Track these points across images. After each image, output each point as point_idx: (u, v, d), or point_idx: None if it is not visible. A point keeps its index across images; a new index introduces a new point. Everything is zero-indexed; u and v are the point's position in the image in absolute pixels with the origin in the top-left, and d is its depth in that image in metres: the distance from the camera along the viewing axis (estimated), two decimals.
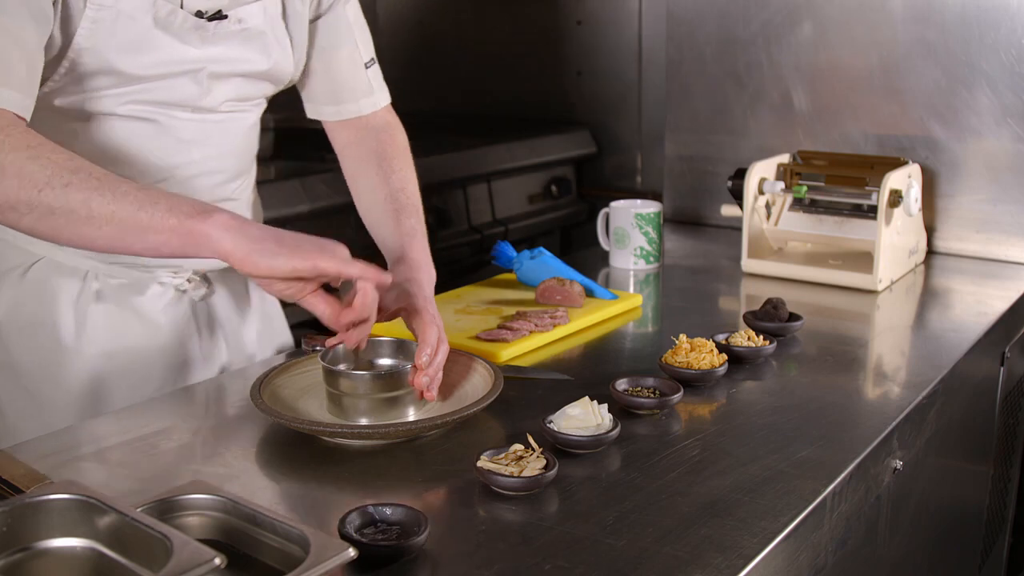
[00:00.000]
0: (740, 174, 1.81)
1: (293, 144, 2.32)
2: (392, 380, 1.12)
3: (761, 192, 1.80)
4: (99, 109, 1.19)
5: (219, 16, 1.21)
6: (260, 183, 1.48)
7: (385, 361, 1.21)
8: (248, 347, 1.44)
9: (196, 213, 1.01)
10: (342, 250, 1.04)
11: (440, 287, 1.64)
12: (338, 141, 1.44)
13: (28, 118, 1.06)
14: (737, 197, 1.82)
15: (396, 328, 1.42)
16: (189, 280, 1.35)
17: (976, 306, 1.62)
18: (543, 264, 1.61)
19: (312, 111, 1.44)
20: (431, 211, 2.48)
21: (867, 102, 1.94)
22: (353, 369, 1.16)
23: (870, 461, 1.08)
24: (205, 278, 1.37)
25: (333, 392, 1.13)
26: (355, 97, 1.42)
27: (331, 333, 1.15)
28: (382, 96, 1.45)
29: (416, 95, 3.34)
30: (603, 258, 1.86)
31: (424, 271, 1.27)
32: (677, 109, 2.21)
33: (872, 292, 1.65)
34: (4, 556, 0.75)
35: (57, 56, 1.13)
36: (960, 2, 1.81)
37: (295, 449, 1.08)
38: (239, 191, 1.37)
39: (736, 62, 2.09)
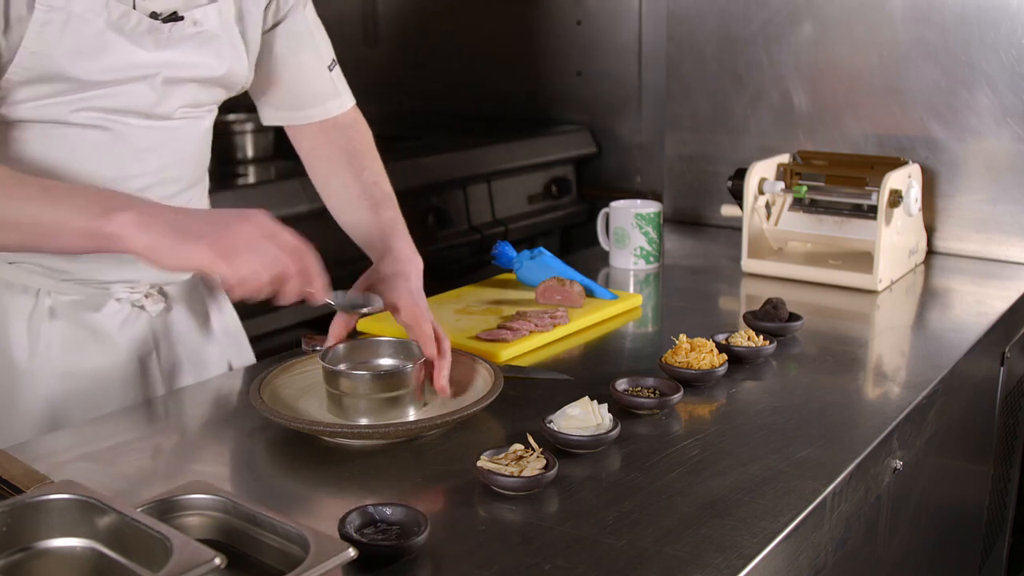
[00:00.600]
0: (740, 174, 1.81)
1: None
2: (392, 380, 1.12)
3: (761, 192, 1.80)
4: (49, 117, 1.14)
5: (174, 18, 1.17)
6: (260, 183, 1.48)
7: (385, 361, 1.21)
8: (211, 365, 1.38)
9: (102, 213, 0.97)
10: (248, 231, 0.98)
11: (440, 287, 1.64)
12: (304, 144, 1.42)
13: None
14: (737, 197, 1.82)
15: (395, 328, 1.42)
16: (147, 295, 1.30)
17: (976, 306, 1.62)
18: (543, 264, 1.61)
19: (272, 117, 1.41)
20: (431, 211, 2.48)
21: (867, 102, 1.94)
22: (353, 369, 1.16)
23: (870, 461, 1.08)
24: (163, 293, 1.32)
25: (333, 392, 1.13)
26: (321, 100, 1.39)
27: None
28: (348, 97, 1.43)
29: (416, 95, 3.34)
30: (603, 258, 1.86)
31: (412, 263, 1.26)
32: (677, 109, 2.21)
33: (872, 292, 1.65)
34: (4, 556, 0.75)
35: (1, 63, 1.08)
36: (960, 2, 1.81)
37: (295, 449, 1.08)
38: (194, 200, 1.32)
39: (736, 62, 2.09)
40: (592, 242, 1.92)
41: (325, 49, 1.40)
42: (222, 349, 1.42)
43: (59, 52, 1.09)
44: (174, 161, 1.26)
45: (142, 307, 1.30)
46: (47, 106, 1.13)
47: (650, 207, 1.81)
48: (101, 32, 1.11)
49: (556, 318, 1.44)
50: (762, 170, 1.80)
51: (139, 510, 0.77)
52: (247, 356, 1.47)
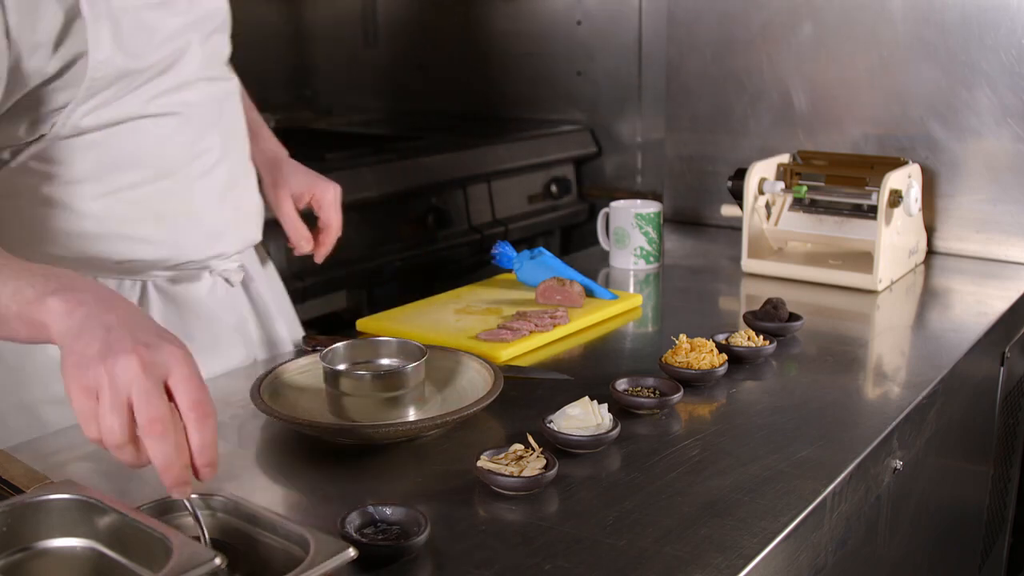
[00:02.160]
0: (740, 174, 1.81)
1: (293, 144, 2.31)
2: (392, 380, 1.12)
3: (761, 192, 1.80)
4: (123, 116, 1.18)
5: None
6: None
7: (385, 361, 1.21)
8: (281, 337, 1.46)
9: (36, 297, 0.85)
10: (122, 375, 0.78)
11: (440, 287, 1.64)
12: None
13: None
14: (737, 197, 1.82)
15: (396, 328, 1.42)
16: (235, 268, 1.38)
17: (976, 306, 1.62)
18: (543, 264, 1.61)
19: None
20: (431, 211, 2.48)
21: (867, 102, 1.94)
22: (353, 369, 1.16)
23: (870, 461, 1.08)
24: (242, 265, 1.40)
25: (333, 392, 1.13)
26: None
27: (331, 334, 1.15)
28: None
29: (416, 95, 3.34)
30: (603, 258, 1.86)
31: (289, 161, 1.46)
32: (677, 109, 2.21)
33: (872, 292, 1.65)
34: (4, 556, 0.75)
35: (70, 78, 1.11)
36: (960, 2, 1.81)
37: (295, 449, 1.08)
38: (249, 173, 1.39)
39: (736, 62, 2.09)
40: (592, 242, 1.92)
41: None
42: (287, 323, 1.49)
43: (117, 49, 1.12)
44: (230, 132, 1.33)
45: (228, 279, 1.37)
46: (118, 106, 1.17)
47: (650, 207, 1.81)
48: (140, 13, 1.15)
49: (556, 318, 1.44)
50: (762, 170, 1.80)
51: (139, 510, 0.77)
52: (298, 331, 1.54)
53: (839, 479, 1.01)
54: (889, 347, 1.47)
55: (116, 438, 0.77)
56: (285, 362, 1.22)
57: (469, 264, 2.56)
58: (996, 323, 1.52)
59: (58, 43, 1.08)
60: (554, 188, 2.89)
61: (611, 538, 0.89)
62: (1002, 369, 1.62)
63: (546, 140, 2.89)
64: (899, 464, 1.17)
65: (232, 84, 1.35)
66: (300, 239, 1.42)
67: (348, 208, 1.63)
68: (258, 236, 1.40)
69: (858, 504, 1.07)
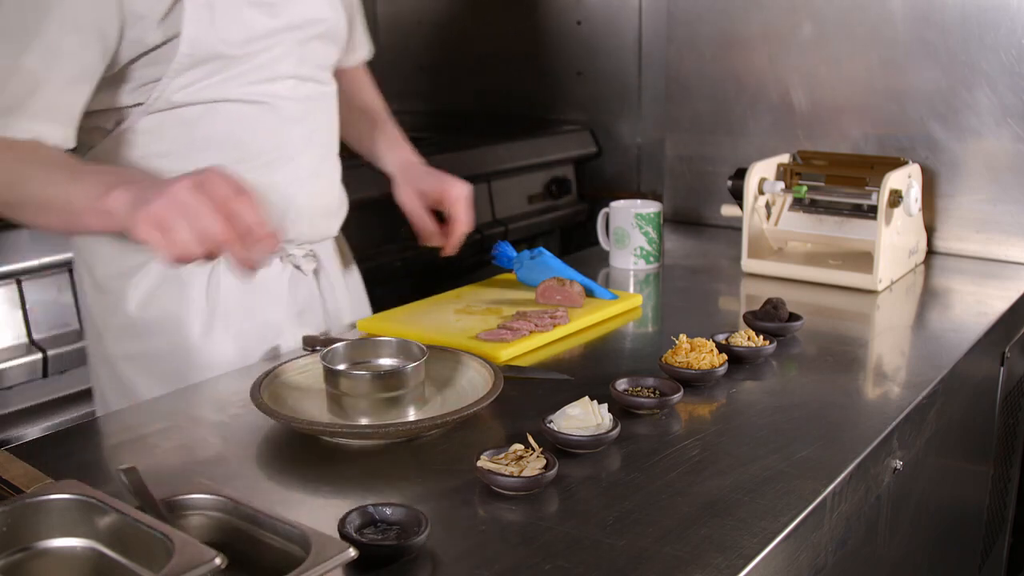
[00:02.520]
0: (740, 174, 1.81)
1: None
2: (392, 380, 1.12)
3: (761, 192, 1.80)
4: (212, 97, 1.29)
5: None
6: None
7: (385, 361, 1.21)
8: (345, 321, 1.55)
9: (104, 192, 1.04)
10: (174, 197, 0.99)
11: (440, 287, 1.64)
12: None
13: (68, 146, 1.18)
14: (737, 197, 1.82)
15: (396, 328, 1.42)
16: (304, 256, 1.46)
17: (976, 306, 1.62)
18: (543, 264, 1.61)
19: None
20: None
21: (867, 102, 1.94)
22: (353, 369, 1.16)
23: (870, 461, 1.08)
24: (314, 254, 1.49)
25: (333, 392, 1.13)
26: (363, 45, 1.66)
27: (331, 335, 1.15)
28: (370, 46, 1.69)
29: (416, 95, 3.34)
30: (603, 258, 1.86)
31: (419, 164, 1.58)
32: (677, 109, 2.21)
33: (872, 292, 1.65)
34: (4, 556, 0.75)
35: (166, 52, 1.23)
36: (960, 2, 1.81)
37: (295, 449, 1.08)
38: (335, 169, 1.50)
39: (736, 62, 2.09)
40: (592, 242, 1.92)
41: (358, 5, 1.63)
42: (353, 307, 1.59)
43: (211, 33, 1.24)
44: (315, 129, 1.43)
45: (298, 266, 1.46)
46: (209, 87, 1.28)
47: (650, 207, 1.81)
48: (240, 8, 1.27)
49: (556, 318, 1.44)
50: (762, 170, 1.80)
51: (139, 510, 0.77)
52: (365, 311, 1.65)
53: (839, 479, 1.01)
54: (889, 347, 1.47)
55: (186, 248, 0.98)
56: (285, 362, 1.22)
57: (469, 264, 2.56)
58: (996, 323, 1.52)
59: (162, 19, 1.20)
60: (554, 188, 2.89)
61: (611, 538, 0.89)
62: (1002, 369, 1.62)
63: (546, 140, 2.89)
64: (899, 464, 1.17)
65: (326, 88, 1.45)
66: (427, 233, 1.55)
67: (350, 208, 1.64)
68: (333, 231, 1.52)
69: (858, 504, 1.07)
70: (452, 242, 1.54)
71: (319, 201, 1.45)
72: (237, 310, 1.39)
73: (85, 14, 1.16)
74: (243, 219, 0.99)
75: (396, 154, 1.62)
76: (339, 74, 1.56)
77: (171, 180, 1.01)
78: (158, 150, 1.29)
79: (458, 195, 1.52)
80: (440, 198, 1.54)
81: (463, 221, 1.52)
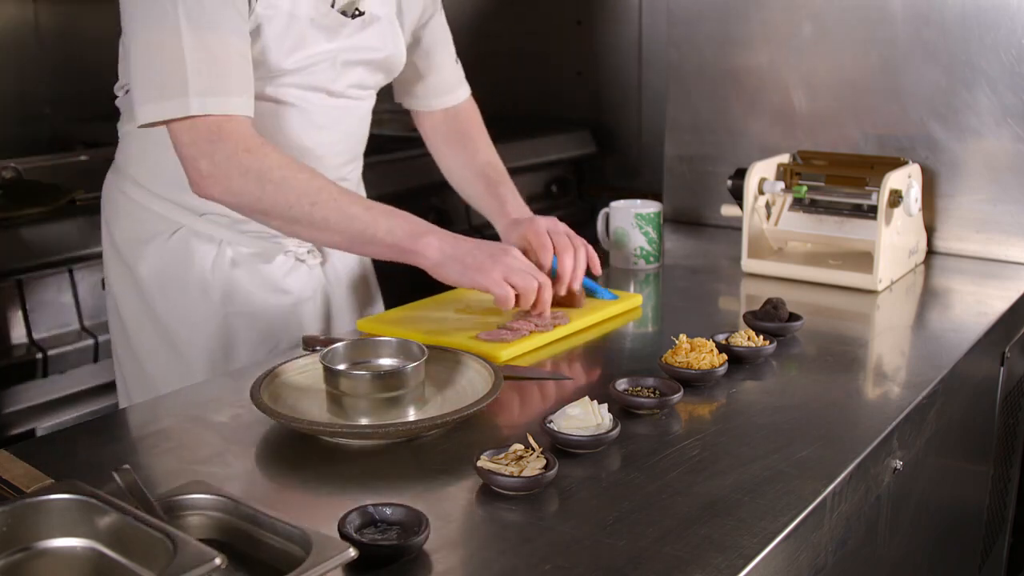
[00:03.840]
0: (740, 174, 1.81)
1: None
2: (392, 380, 1.12)
3: (761, 192, 1.80)
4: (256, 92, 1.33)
5: (358, 12, 1.40)
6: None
7: (385, 361, 1.21)
8: (351, 313, 1.61)
9: (408, 236, 1.29)
10: (511, 258, 1.33)
11: (440, 287, 1.64)
12: (426, 124, 1.72)
13: (251, 114, 1.27)
14: (737, 197, 1.82)
15: (396, 328, 1.42)
16: (308, 251, 1.53)
17: (976, 306, 1.62)
18: None
19: (408, 102, 1.70)
20: (431, 211, 2.48)
21: (867, 102, 1.94)
22: (353, 369, 1.16)
23: (870, 461, 1.08)
24: (320, 250, 1.55)
25: (333, 392, 1.13)
26: (451, 89, 1.69)
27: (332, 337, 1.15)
28: (466, 88, 1.73)
29: None
30: (603, 258, 1.86)
31: (526, 212, 1.60)
32: (677, 109, 2.21)
33: (872, 292, 1.65)
34: (4, 556, 0.75)
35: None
36: (960, 2, 1.81)
37: (295, 449, 1.08)
38: (351, 173, 1.57)
39: (736, 62, 2.09)
40: (592, 242, 1.92)
41: (451, 43, 1.68)
42: (360, 299, 1.65)
43: (269, 45, 1.32)
44: (342, 137, 1.50)
45: (303, 260, 1.53)
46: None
47: (650, 207, 1.81)
48: (305, 27, 1.34)
49: (556, 318, 1.44)
50: (762, 170, 1.80)
51: (139, 510, 0.77)
52: (378, 308, 1.71)
53: (839, 479, 1.01)
54: (889, 347, 1.47)
55: (531, 291, 1.33)
56: (285, 362, 1.22)
57: None
58: (996, 323, 1.52)
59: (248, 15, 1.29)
60: (554, 188, 2.89)
61: (611, 538, 0.89)
62: (1002, 369, 1.62)
63: (546, 140, 2.89)
64: (899, 464, 1.17)
65: (359, 103, 1.50)
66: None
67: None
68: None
69: (858, 504, 1.07)
70: (560, 287, 1.45)
71: None
72: (237, 292, 1.47)
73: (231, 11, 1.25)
74: (540, 276, 1.35)
75: (503, 220, 1.60)
76: (446, 118, 1.68)
77: (476, 247, 1.32)
78: None
79: (539, 228, 1.48)
80: (530, 241, 1.48)
81: (545, 260, 1.45)
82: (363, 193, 1.65)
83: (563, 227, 1.50)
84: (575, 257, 1.46)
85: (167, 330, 1.47)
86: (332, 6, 1.37)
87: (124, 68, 1.39)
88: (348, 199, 1.29)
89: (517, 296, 1.33)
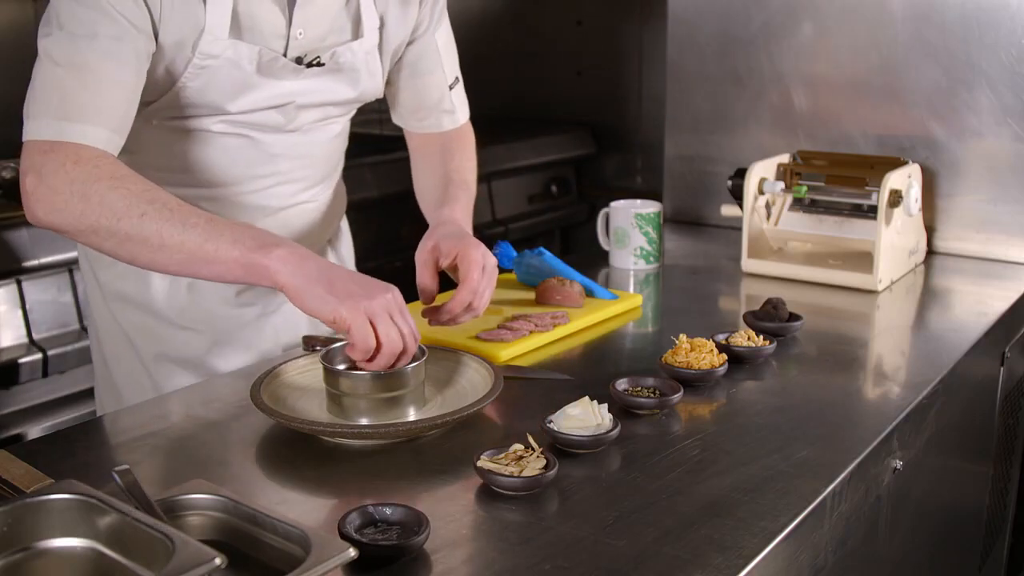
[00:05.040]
0: (740, 174, 1.81)
1: None
2: (392, 380, 1.12)
3: (761, 192, 1.80)
4: (196, 127, 1.28)
5: (317, 63, 1.30)
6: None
7: None
8: (308, 329, 1.48)
9: (258, 247, 1.09)
10: (388, 301, 1.09)
11: (440, 287, 1.64)
12: (413, 141, 1.56)
13: (116, 153, 1.15)
14: (737, 197, 1.82)
15: None
16: None
17: (976, 306, 1.62)
18: (543, 264, 1.60)
19: (397, 119, 1.55)
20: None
21: (867, 102, 1.94)
22: (353, 369, 1.16)
23: (870, 461, 1.08)
24: None
25: (333, 392, 1.13)
26: (437, 115, 1.52)
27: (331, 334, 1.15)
28: (462, 114, 1.55)
29: None
30: (603, 258, 1.86)
31: (456, 224, 1.36)
32: (677, 109, 2.21)
33: (872, 292, 1.65)
34: (4, 556, 0.75)
35: (161, 89, 1.23)
36: (960, 2, 1.81)
37: (295, 449, 1.08)
38: (316, 195, 1.46)
39: (736, 62, 2.09)
40: (592, 242, 1.92)
41: (450, 68, 1.52)
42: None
43: (212, 90, 1.24)
44: (302, 164, 1.40)
45: None
46: (194, 120, 1.28)
47: (650, 207, 1.81)
48: (251, 75, 1.25)
49: (556, 318, 1.44)
50: (762, 170, 1.80)
51: (139, 510, 0.77)
52: None
53: (839, 479, 1.01)
54: (889, 347, 1.47)
55: (393, 349, 1.08)
56: (285, 362, 1.22)
57: None
58: (996, 323, 1.52)
59: (184, 69, 1.22)
60: (554, 188, 2.89)
61: (611, 538, 0.89)
62: (1002, 369, 1.62)
63: (546, 140, 2.89)
64: (899, 464, 1.17)
65: (324, 130, 1.40)
66: (423, 289, 1.32)
67: (349, 208, 1.64)
68: (315, 246, 1.48)
69: (858, 504, 1.07)
70: (449, 306, 1.27)
71: (290, 227, 1.42)
72: (196, 307, 1.41)
73: (126, 47, 1.16)
74: (408, 339, 1.11)
75: (440, 212, 1.41)
76: (433, 141, 1.53)
77: (349, 276, 1.11)
78: (138, 156, 1.28)
79: (474, 259, 1.27)
80: (457, 259, 1.31)
81: (470, 289, 1.26)
82: (341, 209, 1.57)
83: (491, 275, 1.30)
84: (470, 303, 1.27)
85: (129, 338, 1.42)
86: (284, 55, 1.27)
87: None
88: (187, 211, 1.12)
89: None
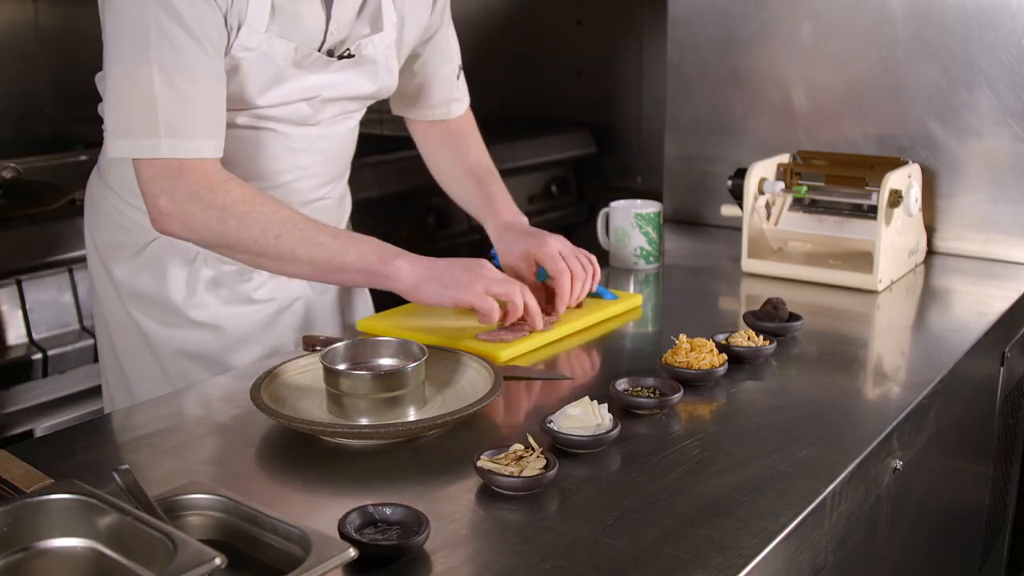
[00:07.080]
0: (740, 174, 1.81)
1: None
2: (392, 380, 1.12)
3: (761, 192, 1.80)
4: (238, 122, 1.33)
5: (347, 55, 1.36)
6: None
7: (385, 361, 1.21)
8: (332, 321, 1.58)
9: (379, 261, 1.27)
10: (489, 271, 1.30)
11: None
12: (417, 128, 1.66)
13: (220, 156, 1.25)
14: (737, 197, 1.82)
15: (396, 328, 1.42)
16: None
17: (976, 306, 1.62)
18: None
19: (399, 110, 1.64)
20: (431, 211, 2.48)
21: (867, 102, 1.94)
22: (353, 369, 1.16)
23: (870, 461, 1.08)
24: None
25: (333, 392, 1.13)
26: (444, 103, 1.62)
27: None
28: (466, 100, 1.66)
29: None
30: (603, 258, 1.86)
31: (519, 218, 1.54)
32: (677, 109, 2.21)
33: (872, 292, 1.65)
34: (4, 556, 0.75)
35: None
36: (960, 2, 1.81)
37: (295, 449, 1.08)
38: (331, 192, 1.52)
39: (736, 62, 2.09)
40: (592, 242, 1.92)
41: (456, 58, 1.62)
42: (347, 303, 1.62)
43: (246, 84, 1.29)
44: (322, 159, 1.46)
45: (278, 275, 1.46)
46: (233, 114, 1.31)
47: (650, 207, 1.81)
48: (283, 69, 1.30)
49: (550, 316, 1.43)
50: (762, 170, 1.80)
51: (139, 510, 0.77)
52: (367, 311, 1.68)
53: (839, 479, 1.01)
54: (889, 347, 1.47)
55: (516, 297, 1.30)
56: (285, 362, 1.22)
57: None
58: (996, 323, 1.52)
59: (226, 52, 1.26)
60: (554, 188, 2.89)
61: (611, 538, 0.89)
62: (1002, 369, 1.62)
63: (546, 140, 2.89)
64: (899, 464, 1.17)
65: (342, 124, 1.46)
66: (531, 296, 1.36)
67: (365, 204, 1.65)
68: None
69: (858, 504, 1.07)
70: (558, 306, 1.41)
71: (318, 217, 1.42)
72: (213, 308, 1.44)
73: (212, 56, 1.23)
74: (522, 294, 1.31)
75: (494, 221, 1.54)
76: (441, 126, 1.63)
77: (449, 265, 1.29)
78: None
79: (552, 251, 1.41)
80: (536, 260, 1.44)
81: (564, 287, 1.39)
82: (348, 205, 1.64)
83: (575, 249, 1.44)
84: (584, 282, 1.43)
85: (145, 335, 1.45)
86: (319, 49, 1.33)
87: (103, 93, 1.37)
88: (314, 228, 1.26)
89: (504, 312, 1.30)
